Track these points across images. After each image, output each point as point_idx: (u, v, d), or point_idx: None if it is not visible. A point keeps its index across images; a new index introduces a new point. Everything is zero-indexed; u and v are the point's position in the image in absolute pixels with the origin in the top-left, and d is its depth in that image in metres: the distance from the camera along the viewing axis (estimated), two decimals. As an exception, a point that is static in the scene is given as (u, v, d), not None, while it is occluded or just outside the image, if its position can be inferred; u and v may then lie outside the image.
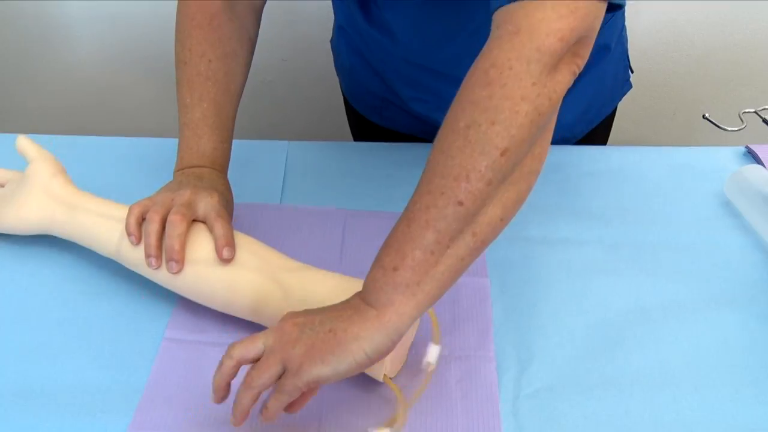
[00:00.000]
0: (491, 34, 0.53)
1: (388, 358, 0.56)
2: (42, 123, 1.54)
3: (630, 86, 0.98)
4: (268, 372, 0.51)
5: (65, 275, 0.73)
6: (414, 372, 0.63)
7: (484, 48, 0.52)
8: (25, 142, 0.75)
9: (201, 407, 0.60)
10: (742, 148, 0.92)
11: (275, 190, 0.85)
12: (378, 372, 0.58)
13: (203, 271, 0.64)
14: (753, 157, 0.90)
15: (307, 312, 0.54)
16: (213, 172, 0.72)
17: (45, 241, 0.76)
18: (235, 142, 0.90)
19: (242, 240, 0.66)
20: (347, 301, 0.55)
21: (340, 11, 0.92)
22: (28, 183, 0.73)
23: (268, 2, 0.80)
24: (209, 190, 0.67)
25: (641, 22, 1.34)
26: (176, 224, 0.63)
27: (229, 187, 0.73)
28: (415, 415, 0.59)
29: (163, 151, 0.91)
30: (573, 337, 0.66)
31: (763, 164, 0.87)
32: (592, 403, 0.60)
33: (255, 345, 0.53)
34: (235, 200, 0.81)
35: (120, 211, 0.69)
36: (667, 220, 0.80)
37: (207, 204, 0.66)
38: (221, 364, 0.54)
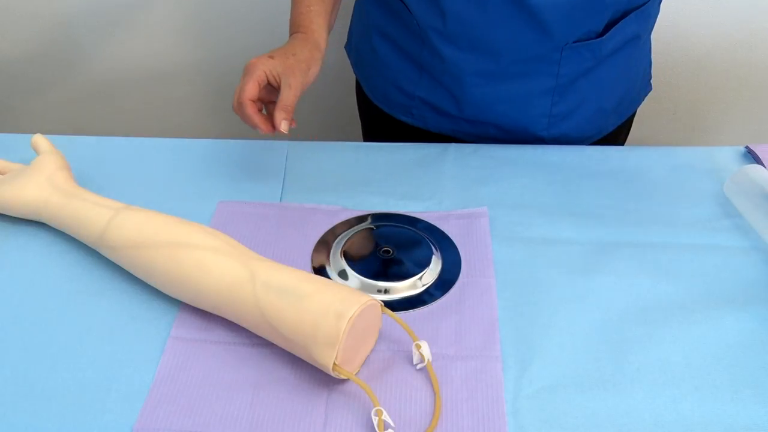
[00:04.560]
0: None
1: (340, 349, 0.58)
2: (42, 122, 1.55)
3: (651, 88, 1.00)
4: None
5: (66, 275, 0.73)
6: (410, 373, 0.63)
7: None
8: (40, 138, 0.82)
9: (208, 405, 0.60)
10: (742, 148, 0.92)
11: (275, 190, 0.85)
12: (328, 362, 0.58)
13: (178, 252, 0.66)
14: (753, 157, 0.90)
15: None
16: (298, 36, 0.81)
17: (46, 241, 0.76)
18: (235, 142, 0.91)
19: (215, 232, 0.69)
20: None
21: (374, 14, 0.95)
22: (32, 169, 0.78)
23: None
24: (283, 56, 0.77)
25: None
26: (246, 91, 0.74)
27: (309, 48, 0.80)
28: (422, 415, 0.59)
29: (163, 151, 0.92)
30: (573, 337, 0.66)
31: (763, 164, 0.87)
32: (593, 403, 0.61)
33: None
34: (235, 200, 0.82)
35: (114, 203, 0.74)
36: (667, 220, 0.80)
37: (272, 70, 0.75)
38: None
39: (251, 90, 0.74)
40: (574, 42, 0.85)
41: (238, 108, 0.75)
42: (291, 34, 0.83)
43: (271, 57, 0.76)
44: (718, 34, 1.35)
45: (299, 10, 0.83)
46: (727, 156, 0.91)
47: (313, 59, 0.79)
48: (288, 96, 0.74)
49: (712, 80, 1.42)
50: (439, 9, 0.84)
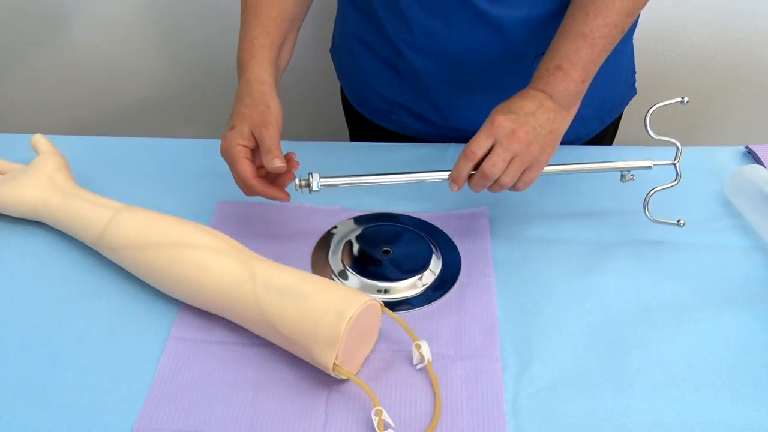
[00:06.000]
0: None
1: (340, 349, 0.58)
2: (42, 122, 1.54)
3: (635, 91, 0.99)
4: (503, 164, 0.66)
5: (66, 275, 0.73)
6: (410, 373, 0.63)
7: None
8: (40, 138, 0.83)
9: (208, 405, 0.60)
10: (742, 148, 0.92)
11: (275, 190, 0.85)
12: (328, 362, 0.58)
13: (178, 252, 0.67)
14: (753, 157, 0.90)
15: (518, 113, 0.67)
16: (240, 85, 0.76)
17: (46, 241, 0.76)
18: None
19: (215, 232, 0.70)
20: (541, 102, 0.69)
21: (352, 20, 0.94)
22: (32, 169, 0.79)
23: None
24: (240, 116, 0.72)
25: (641, 21, 1.34)
26: (243, 175, 0.70)
27: (255, 87, 0.74)
28: (422, 415, 0.59)
29: (163, 151, 0.92)
30: (573, 337, 0.66)
31: (763, 164, 0.87)
32: (593, 403, 0.61)
33: (488, 143, 0.67)
34: (235, 199, 0.82)
35: (114, 203, 0.74)
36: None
37: (243, 137, 0.71)
38: (459, 167, 0.67)
39: (247, 171, 0.70)
40: (543, 54, 0.85)
41: (250, 193, 0.71)
42: (238, 78, 0.78)
43: (233, 127, 0.71)
44: (718, 34, 1.35)
45: (242, 45, 0.78)
46: (727, 156, 0.91)
47: (266, 94, 0.74)
48: (264, 142, 0.70)
49: (711, 80, 1.42)
50: (406, 22, 0.84)
